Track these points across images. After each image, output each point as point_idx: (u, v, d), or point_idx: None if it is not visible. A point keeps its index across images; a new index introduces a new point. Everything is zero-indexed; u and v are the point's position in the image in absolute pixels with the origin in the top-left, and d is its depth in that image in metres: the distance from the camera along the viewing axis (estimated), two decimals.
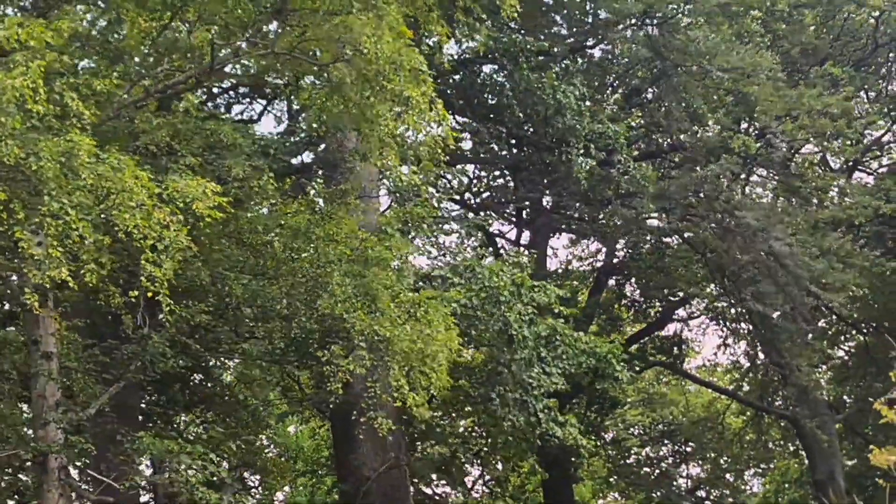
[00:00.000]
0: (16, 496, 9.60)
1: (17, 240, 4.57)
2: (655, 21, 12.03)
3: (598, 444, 15.48)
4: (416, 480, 14.84)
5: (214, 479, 9.16)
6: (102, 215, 4.73)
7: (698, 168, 12.38)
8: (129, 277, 5.29)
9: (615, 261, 16.00)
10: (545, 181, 13.04)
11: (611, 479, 20.60)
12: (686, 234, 12.89)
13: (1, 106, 4.21)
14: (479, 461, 15.86)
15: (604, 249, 16.06)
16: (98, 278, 5.01)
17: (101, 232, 4.78)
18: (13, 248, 4.85)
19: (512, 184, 14.56)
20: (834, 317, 16.35)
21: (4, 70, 4.36)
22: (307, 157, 11.55)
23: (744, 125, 13.80)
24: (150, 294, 5.10)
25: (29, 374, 6.52)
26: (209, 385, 11.35)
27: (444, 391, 8.09)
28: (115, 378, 7.26)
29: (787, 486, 20.68)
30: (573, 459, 13.24)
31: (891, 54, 15.49)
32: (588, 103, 11.28)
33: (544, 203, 14.28)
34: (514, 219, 15.56)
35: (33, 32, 4.36)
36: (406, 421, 9.88)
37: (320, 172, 10.58)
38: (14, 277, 6.65)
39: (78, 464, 7.77)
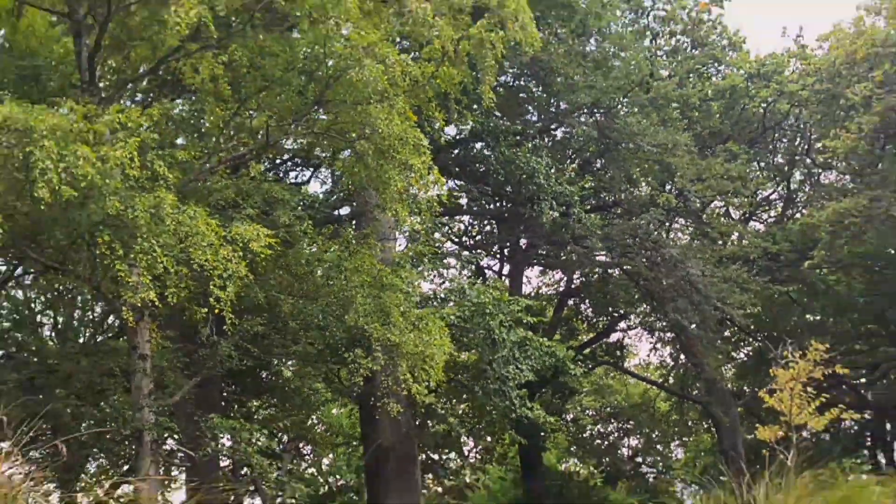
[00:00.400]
0: (119, 463, 9.30)
1: (118, 271, 4.41)
2: (602, 110, 11.81)
3: (561, 422, 14.85)
4: (424, 449, 14.41)
5: (269, 450, 8.84)
6: (182, 252, 4.54)
7: (633, 218, 12.04)
8: (203, 298, 5.07)
9: (573, 286, 15.54)
10: (521, 227, 12.60)
11: (571, 449, 19.84)
12: (625, 267, 12.44)
13: (107, 171, 4.10)
14: (471, 435, 15.21)
15: (564, 278, 15.62)
16: (179, 299, 4.82)
17: (181, 265, 4.59)
18: (115, 278, 4.67)
19: (496, 230, 14.14)
20: (735, 327, 15.80)
21: (110, 145, 4.26)
22: (344, 209, 11.33)
23: (667, 186, 13.47)
24: (216, 311, 4.88)
25: (130, 371, 6.26)
26: (272, 378, 10.98)
27: (442, 383, 7.70)
28: (194, 374, 7.01)
29: (701, 454, 19.98)
30: (542, 434, 12.62)
31: (775, 134, 15.24)
32: (552, 170, 10.93)
33: (520, 244, 13.85)
34: (498, 255, 15.10)
35: (131, 117, 4.25)
36: (413, 405, 9.41)
37: (352, 221, 10.33)
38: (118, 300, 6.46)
39: (169, 439, 7.44)
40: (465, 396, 12.00)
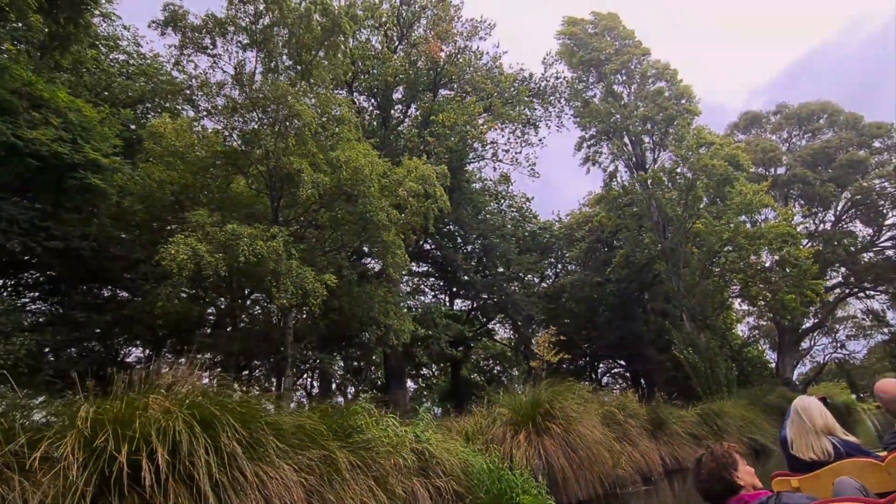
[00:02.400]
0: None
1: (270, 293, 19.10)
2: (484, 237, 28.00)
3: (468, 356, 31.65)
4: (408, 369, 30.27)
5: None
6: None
7: (495, 278, 28.71)
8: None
9: (474, 305, 32.19)
10: (452, 282, 28.53)
11: (473, 369, 37.05)
12: (493, 298, 29.24)
13: (271, 250, 19.04)
14: (430, 360, 31.33)
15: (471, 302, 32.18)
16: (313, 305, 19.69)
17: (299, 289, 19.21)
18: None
19: (442, 281, 29.87)
20: (534, 323, 33.63)
21: (276, 241, 19.22)
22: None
23: (509, 268, 30.37)
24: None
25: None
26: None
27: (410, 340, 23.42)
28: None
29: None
30: (459, 362, 29.05)
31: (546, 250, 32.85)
32: (463, 259, 26.93)
33: (452, 288, 29.81)
34: (443, 292, 30.99)
35: (284, 233, 19.25)
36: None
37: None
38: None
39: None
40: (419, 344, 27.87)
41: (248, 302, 15.85)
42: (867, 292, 29.87)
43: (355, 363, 26.92)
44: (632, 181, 20.95)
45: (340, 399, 22.49)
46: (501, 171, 22.10)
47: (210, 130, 12.58)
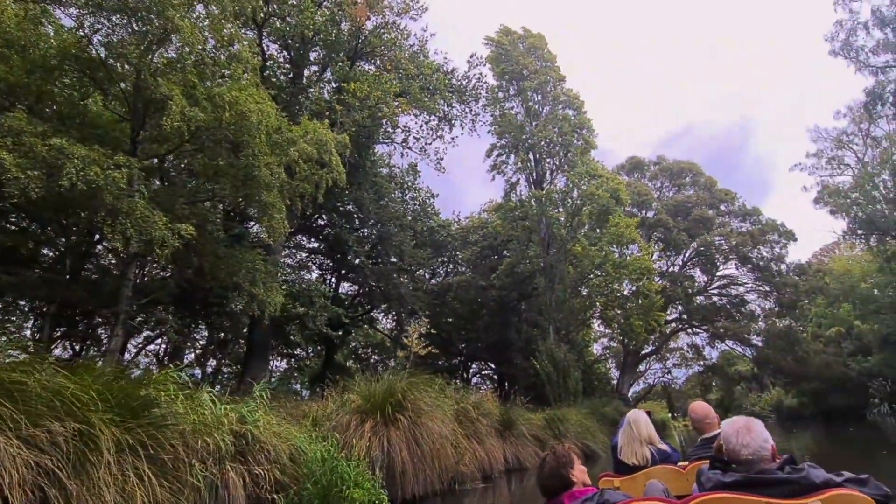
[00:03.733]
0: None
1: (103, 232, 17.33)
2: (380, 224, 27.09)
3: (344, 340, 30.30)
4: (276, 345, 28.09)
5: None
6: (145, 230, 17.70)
7: (386, 266, 28.03)
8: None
9: (360, 290, 31.05)
10: (341, 264, 27.23)
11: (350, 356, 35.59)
12: (380, 286, 28.45)
13: (112, 179, 17.18)
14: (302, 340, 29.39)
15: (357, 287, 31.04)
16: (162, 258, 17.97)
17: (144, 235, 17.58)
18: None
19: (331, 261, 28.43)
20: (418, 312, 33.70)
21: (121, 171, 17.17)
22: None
23: (403, 258, 29.88)
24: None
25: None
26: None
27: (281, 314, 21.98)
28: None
29: None
30: (335, 343, 27.73)
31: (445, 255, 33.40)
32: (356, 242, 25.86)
33: (341, 270, 28.44)
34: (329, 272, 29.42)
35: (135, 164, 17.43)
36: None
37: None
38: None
39: None
40: (296, 323, 26.12)
41: (99, 248, 13.27)
42: (694, 329, 34.77)
43: (221, 334, 24.49)
44: (529, 196, 21.76)
45: (197, 371, 20.08)
46: (410, 160, 21.58)
47: (67, 29, 10.17)
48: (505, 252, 30.11)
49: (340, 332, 29.55)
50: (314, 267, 27.49)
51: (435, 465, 7.12)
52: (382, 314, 32.48)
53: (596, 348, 36.89)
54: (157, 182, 12.54)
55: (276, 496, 5.26)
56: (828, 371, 28.05)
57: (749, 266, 30.80)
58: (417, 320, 28.43)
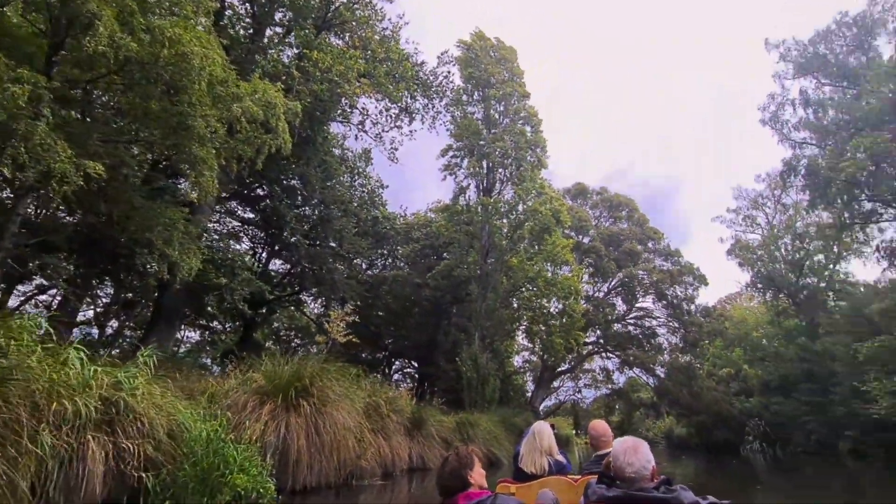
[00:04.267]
0: None
1: None
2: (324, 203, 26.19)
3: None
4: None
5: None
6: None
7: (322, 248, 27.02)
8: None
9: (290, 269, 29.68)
10: (274, 239, 25.91)
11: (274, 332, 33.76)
12: (313, 268, 27.29)
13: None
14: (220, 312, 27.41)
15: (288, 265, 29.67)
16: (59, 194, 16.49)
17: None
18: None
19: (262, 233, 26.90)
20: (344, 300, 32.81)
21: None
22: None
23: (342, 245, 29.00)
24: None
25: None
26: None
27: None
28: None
29: None
30: (255, 320, 26.16)
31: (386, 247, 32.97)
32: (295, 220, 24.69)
33: (275, 247, 27.11)
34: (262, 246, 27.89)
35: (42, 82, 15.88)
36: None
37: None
38: None
39: None
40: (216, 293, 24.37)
41: None
42: (608, 354, 36.74)
43: (129, 294, 22.44)
44: (477, 202, 21.87)
45: (95, 331, 18.03)
46: (364, 144, 20.94)
47: None
48: (445, 254, 30.08)
49: (264, 310, 28.09)
50: (245, 238, 25.87)
51: (333, 457, 6.74)
52: (312, 298, 31.24)
53: (517, 360, 37.91)
54: (77, 115, 11.33)
55: (145, 475, 4.66)
56: (715, 407, 30.64)
57: (664, 302, 33.04)
58: (345, 308, 27.61)
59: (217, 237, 22.95)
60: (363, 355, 33.47)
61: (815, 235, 26.55)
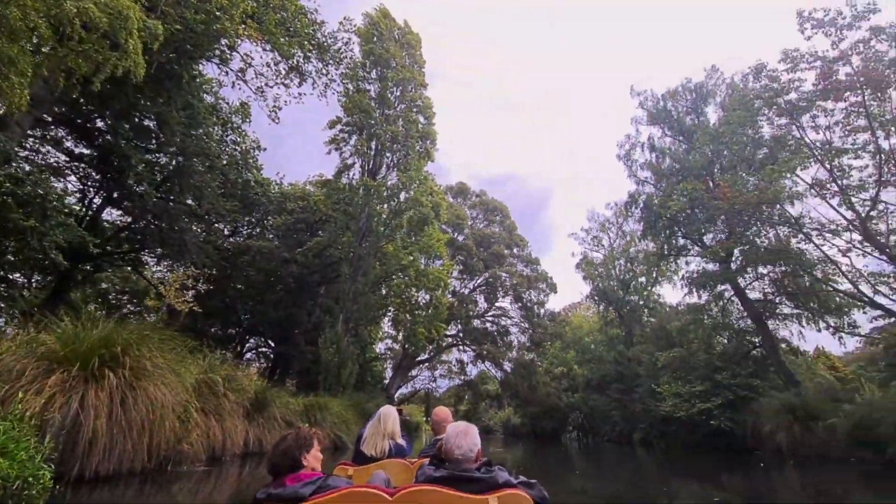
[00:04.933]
0: None
1: None
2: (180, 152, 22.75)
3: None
4: None
5: None
6: None
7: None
8: None
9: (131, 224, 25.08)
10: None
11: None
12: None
13: None
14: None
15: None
16: None
17: None
18: None
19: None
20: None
21: None
22: None
23: (200, 202, 25.59)
24: None
25: None
26: None
27: None
28: None
29: None
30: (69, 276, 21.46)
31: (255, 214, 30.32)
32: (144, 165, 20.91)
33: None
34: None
35: None
36: None
37: None
38: None
39: None
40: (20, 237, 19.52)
41: None
42: (465, 347, 38.83)
43: None
44: (360, 182, 21.08)
45: None
46: (244, 96, 18.69)
47: None
48: (320, 231, 28.51)
49: (89, 267, 23.69)
50: (73, 177, 21.15)
51: (143, 439, 5.67)
52: (155, 260, 27.08)
53: (379, 347, 37.83)
54: None
55: None
56: (548, 400, 34.48)
57: (520, 304, 36.04)
58: (189, 271, 24.39)
59: (29, 168, 18.42)
60: (213, 329, 30.07)
61: (641, 261, 31.45)
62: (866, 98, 14.81)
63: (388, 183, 20.85)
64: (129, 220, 22.75)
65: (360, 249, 20.43)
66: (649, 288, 32.52)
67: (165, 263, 25.73)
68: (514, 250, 36.78)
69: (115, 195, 21.22)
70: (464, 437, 2.46)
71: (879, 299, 15.69)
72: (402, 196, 21.00)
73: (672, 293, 67.92)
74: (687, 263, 24.68)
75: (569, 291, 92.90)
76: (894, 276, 15.48)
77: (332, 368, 19.39)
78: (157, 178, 19.78)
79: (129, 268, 26.08)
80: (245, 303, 28.97)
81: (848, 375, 21.08)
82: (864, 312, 16.99)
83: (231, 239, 27.76)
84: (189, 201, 22.08)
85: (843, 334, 18.10)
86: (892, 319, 15.69)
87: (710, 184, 20.12)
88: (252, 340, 34.63)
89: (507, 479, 2.38)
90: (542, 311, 35.77)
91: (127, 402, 5.44)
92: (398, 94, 21.09)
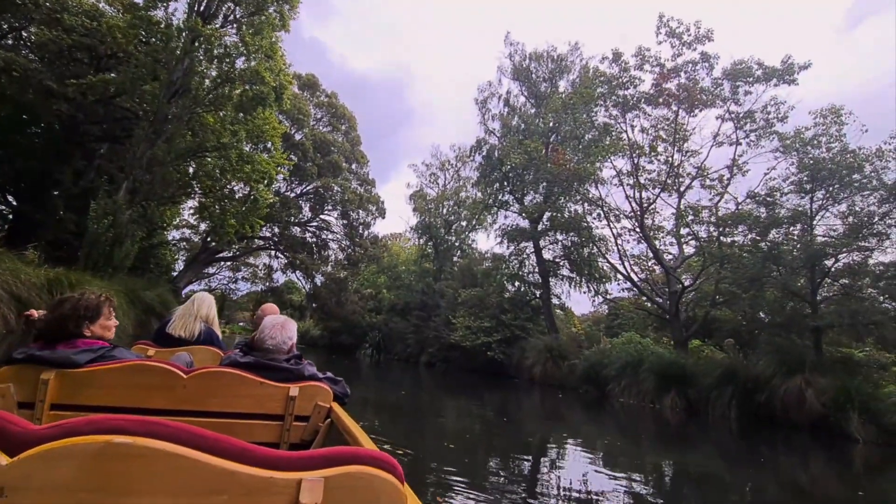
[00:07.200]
0: None
1: None
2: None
3: None
4: None
5: None
6: None
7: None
8: None
9: None
10: None
11: None
12: None
13: None
14: None
15: None
16: None
17: None
18: None
19: None
20: None
21: None
22: None
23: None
24: None
25: None
26: None
27: None
28: None
29: None
30: None
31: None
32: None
33: None
34: None
35: None
36: None
37: None
38: None
39: None
40: None
41: None
42: (278, 253, 36.38)
43: None
44: (185, 24, 16.35)
45: None
46: None
47: None
48: (112, 72, 21.57)
49: None
50: None
51: None
52: None
53: (173, 234, 32.35)
54: None
55: None
56: (352, 318, 35.40)
57: (346, 222, 35.05)
58: None
59: None
60: None
61: (468, 207, 33.76)
62: (680, 113, 18.04)
63: (224, 40, 16.74)
64: None
65: (168, 108, 16.22)
66: (467, 232, 35.35)
67: None
68: (353, 165, 35.14)
69: None
70: (280, 329, 2.39)
71: (634, 277, 20.22)
72: (240, 63, 17.27)
73: (485, 241, 76.17)
74: (505, 217, 27.37)
75: (395, 220, 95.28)
76: (646, 259, 20.06)
77: (103, 245, 15.53)
78: None
79: None
80: None
81: (581, 331, 27.21)
82: (617, 283, 21.74)
83: None
84: None
85: (598, 297, 22.92)
86: (634, 291, 20.49)
87: (545, 152, 22.24)
88: None
89: (314, 374, 2.35)
90: (366, 232, 35.65)
91: None
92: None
